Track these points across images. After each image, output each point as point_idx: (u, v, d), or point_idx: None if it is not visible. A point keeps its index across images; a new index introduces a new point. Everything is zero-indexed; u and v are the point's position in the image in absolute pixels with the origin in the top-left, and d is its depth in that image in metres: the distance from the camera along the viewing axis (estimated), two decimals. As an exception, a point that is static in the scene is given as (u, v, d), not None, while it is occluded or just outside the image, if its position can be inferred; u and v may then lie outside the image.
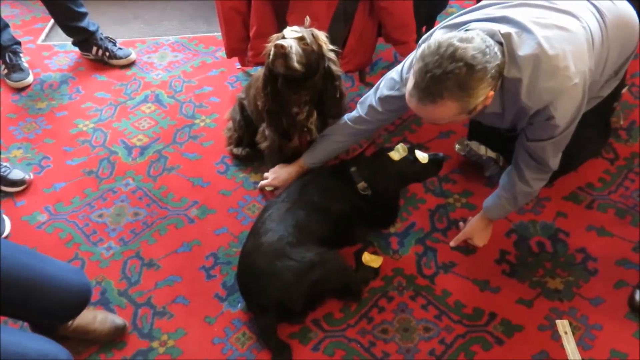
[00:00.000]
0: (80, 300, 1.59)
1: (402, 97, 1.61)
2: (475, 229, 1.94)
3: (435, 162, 1.90)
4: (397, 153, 1.84)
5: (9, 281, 1.39)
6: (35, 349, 1.35)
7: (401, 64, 1.81)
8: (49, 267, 1.49)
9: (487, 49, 1.42)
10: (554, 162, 1.73)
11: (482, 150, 2.09)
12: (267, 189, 2.13)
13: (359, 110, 1.94)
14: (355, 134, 1.99)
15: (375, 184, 1.86)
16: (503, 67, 1.48)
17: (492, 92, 1.48)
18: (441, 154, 1.93)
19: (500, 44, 1.48)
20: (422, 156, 1.86)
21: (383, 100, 1.85)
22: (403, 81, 1.76)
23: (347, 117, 1.98)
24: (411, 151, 1.86)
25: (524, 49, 1.48)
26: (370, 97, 1.90)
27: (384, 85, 1.85)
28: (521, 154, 1.74)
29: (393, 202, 1.99)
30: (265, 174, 2.14)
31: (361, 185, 1.87)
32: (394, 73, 1.82)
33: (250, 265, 1.76)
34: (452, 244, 1.98)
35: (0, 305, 1.42)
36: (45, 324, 1.68)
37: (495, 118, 1.70)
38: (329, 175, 1.95)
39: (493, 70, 1.43)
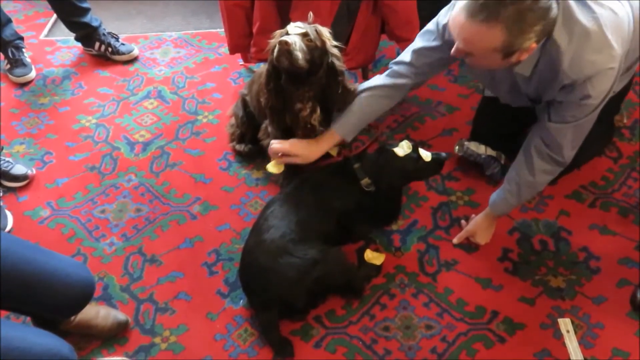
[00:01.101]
0: (83, 294, 1.59)
1: (438, 48, 1.60)
2: (478, 227, 1.93)
3: (437, 161, 1.90)
4: (402, 149, 1.84)
5: (12, 276, 1.39)
6: (38, 344, 1.35)
7: (436, 17, 1.79)
8: (52, 262, 1.50)
9: None
10: (569, 154, 1.70)
11: (482, 149, 2.08)
12: (272, 170, 1.94)
13: (392, 67, 1.90)
14: (390, 89, 1.88)
15: (380, 180, 1.86)
16: (554, 25, 1.46)
17: (534, 45, 1.46)
18: (444, 154, 1.92)
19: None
20: (425, 154, 1.86)
21: (418, 52, 1.82)
22: (439, 30, 1.74)
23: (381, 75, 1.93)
24: (415, 149, 1.86)
25: (580, 17, 1.47)
26: (405, 53, 1.87)
27: (419, 39, 1.83)
28: (535, 140, 1.72)
29: (396, 198, 1.99)
30: (277, 146, 1.91)
31: (365, 181, 1.86)
32: (429, 25, 1.81)
33: (252, 262, 1.76)
34: (455, 241, 1.98)
35: (3, 300, 1.42)
36: (48, 319, 1.68)
37: (517, 85, 1.67)
38: (331, 172, 1.95)
39: (550, 19, 1.41)
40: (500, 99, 1.93)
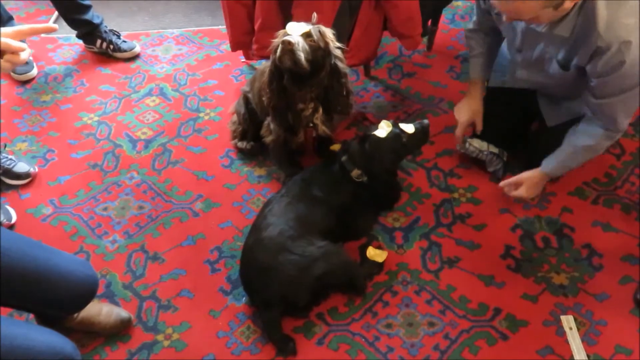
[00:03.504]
0: (87, 291, 1.59)
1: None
2: (529, 178, 1.91)
3: (422, 130, 1.91)
4: (383, 130, 1.84)
5: (16, 273, 1.39)
6: (41, 341, 1.35)
7: None
8: (56, 259, 1.50)
9: None
10: (623, 123, 1.70)
11: (485, 146, 2.08)
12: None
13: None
14: (485, 34, 1.99)
15: (370, 167, 1.86)
16: None
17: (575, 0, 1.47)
18: (426, 121, 1.94)
19: None
20: (407, 127, 1.87)
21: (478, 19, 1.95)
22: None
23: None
24: (396, 125, 1.87)
25: None
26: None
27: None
28: (588, 113, 1.75)
29: (391, 180, 1.99)
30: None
31: (355, 173, 1.87)
32: None
33: (252, 261, 1.76)
34: (502, 184, 1.97)
35: (7, 297, 1.42)
36: (52, 316, 1.69)
37: (546, 52, 1.68)
38: (324, 169, 1.96)
39: None
40: (515, 77, 1.93)
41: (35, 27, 1.18)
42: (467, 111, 2.04)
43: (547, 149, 1.89)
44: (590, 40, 1.54)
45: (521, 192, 1.92)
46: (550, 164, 1.87)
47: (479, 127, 2.06)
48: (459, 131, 2.07)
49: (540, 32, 1.65)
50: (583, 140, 1.78)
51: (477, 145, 2.09)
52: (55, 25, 1.24)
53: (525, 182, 1.92)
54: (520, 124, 2.14)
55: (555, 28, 1.58)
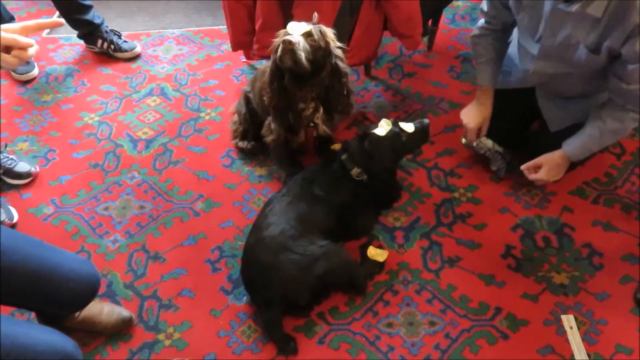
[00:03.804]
0: (89, 290, 1.59)
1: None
2: (550, 160, 1.87)
3: (422, 129, 1.91)
4: (382, 128, 1.84)
5: (18, 271, 1.40)
6: (42, 340, 1.35)
7: None
8: (58, 257, 1.50)
9: None
10: None
11: (490, 144, 2.08)
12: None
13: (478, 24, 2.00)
14: (493, 38, 1.97)
15: (370, 165, 1.87)
16: None
17: None
18: (426, 120, 1.93)
19: None
20: (407, 126, 1.87)
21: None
22: None
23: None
24: (395, 124, 1.87)
25: None
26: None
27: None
28: (616, 99, 1.71)
29: (391, 179, 1.99)
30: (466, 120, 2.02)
31: (355, 171, 1.87)
32: None
33: (253, 260, 1.76)
34: (523, 167, 1.93)
35: (9, 295, 1.42)
36: (54, 315, 1.69)
37: (583, 30, 1.63)
38: (324, 168, 1.96)
39: None
40: (526, 74, 1.91)
41: (42, 22, 1.19)
42: (478, 117, 2.01)
43: (548, 150, 1.88)
44: (628, 18, 1.49)
45: (541, 174, 1.88)
46: (572, 146, 1.82)
47: (484, 131, 2.05)
48: (469, 137, 2.05)
49: (569, 13, 1.58)
50: (610, 124, 1.72)
51: (484, 142, 2.08)
52: (62, 20, 1.25)
53: (545, 164, 1.87)
54: (522, 124, 2.14)
55: (587, 7, 1.52)
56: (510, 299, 1.81)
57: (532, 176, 1.91)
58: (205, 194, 2.18)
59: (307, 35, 1.72)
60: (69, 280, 1.50)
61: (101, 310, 1.76)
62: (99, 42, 2.75)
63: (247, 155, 2.29)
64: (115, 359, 1.74)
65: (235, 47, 2.39)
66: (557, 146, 1.86)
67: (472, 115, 2.02)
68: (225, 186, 2.20)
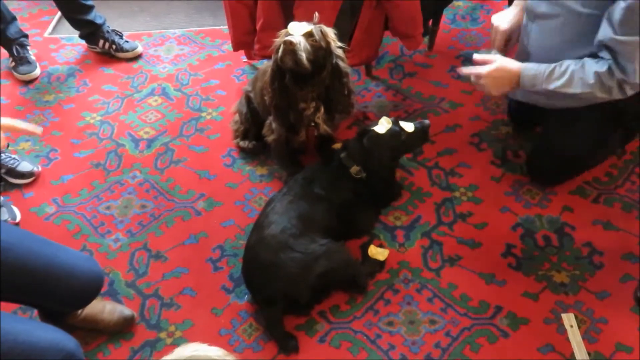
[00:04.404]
0: (92, 287, 1.60)
1: None
2: (501, 69, 1.76)
3: (421, 130, 1.91)
4: (382, 126, 1.84)
5: (23, 268, 1.41)
6: (44, 338, 1.36)
7: None
8: (61, 255, 1.51)
9: None
10: (636, 73, 1.57)
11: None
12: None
13: None
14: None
15: (370, 163, 1.87)
16: None
17: None
18: (427, 121, 1.94)
19: None
20: (407, 125, 1.87)
21: None
22: None
23: None
24: (395, 123, 1.87)
25: None
26: None
27: None
28: (603, 55, 1.62)
29: (390, 177, 2.00)
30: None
31: (354, 169, 1.88)
32: None
33: (254, 259, 1.77)
34: (463, 70, 1.86)
35: (12, 292, 1.43)
36: (56, 312, 1.70)
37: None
38: (325, 167, 1.97)
39: None
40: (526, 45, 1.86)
41: (17, 127, 1.35)
42: (511, 20, 1.86)
43: (547, 153, 1.88)
44: None
45: (483, 82, 1.80)
46: (531, 67, 1.74)
47: (515, 41, 1.88)
48: (498, 43, 1.89)
49: None
50: (580, 72, 1.63)
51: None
52: (40, 129, 1.39)
53: (496, 71, 1.77)
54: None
55: None
56: (510, 298, 1.82)
57: (475, 80, 1.83)
58: (206, 193, 2.18)
59: (308, 35, 1.73)
60: (73, 277, 1.51)
61: (103, 308, 1.77)
62: (101, 42, 2.76)
63: (248, 154, 2.30)
64: (117, 358, 1.75)
65: (237, 47, 2.40)
66: (556, 147, 1.86)
67: (506, 18, 1.87)
68: (226, 185, 2.21)
